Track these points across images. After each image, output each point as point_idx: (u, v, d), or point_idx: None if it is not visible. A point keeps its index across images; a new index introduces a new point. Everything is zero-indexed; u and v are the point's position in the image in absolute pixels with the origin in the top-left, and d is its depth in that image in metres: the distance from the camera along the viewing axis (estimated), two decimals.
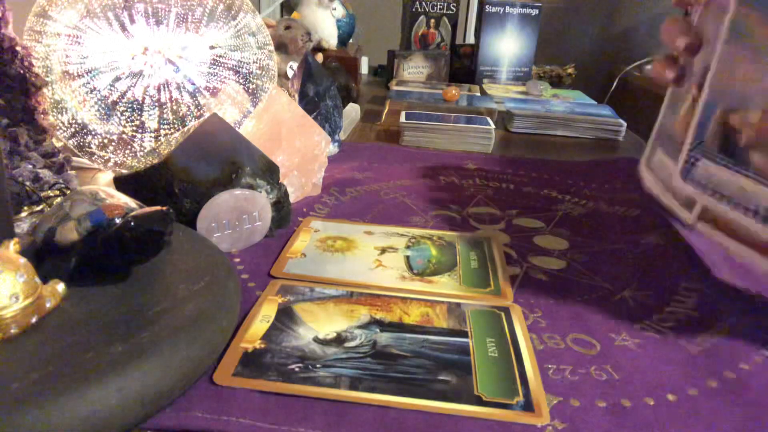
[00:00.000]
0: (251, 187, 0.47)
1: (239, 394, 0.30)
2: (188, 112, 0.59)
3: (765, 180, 0.36)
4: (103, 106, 0.56)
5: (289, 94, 0.66)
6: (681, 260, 0.50)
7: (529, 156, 0.82)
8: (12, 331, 0.28)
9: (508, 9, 1.23)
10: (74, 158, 0.57)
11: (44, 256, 0.34)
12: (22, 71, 0.48)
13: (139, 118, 0.57)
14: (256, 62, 0.63)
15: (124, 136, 0.57)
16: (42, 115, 0.50)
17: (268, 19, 0.94)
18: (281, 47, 0.89)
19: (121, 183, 0.45)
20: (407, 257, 0.47)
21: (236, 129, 0.49)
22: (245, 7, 0.63)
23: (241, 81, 0.62)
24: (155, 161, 0.46)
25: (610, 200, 0.64)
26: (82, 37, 0.55)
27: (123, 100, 0.56)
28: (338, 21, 1.25)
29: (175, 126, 0.58)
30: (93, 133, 0.57)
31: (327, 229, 0.52)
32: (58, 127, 0.56)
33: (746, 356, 0.36)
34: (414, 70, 1.25)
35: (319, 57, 1.08)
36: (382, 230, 0.52)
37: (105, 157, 0.58)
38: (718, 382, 0.34)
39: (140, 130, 0.57)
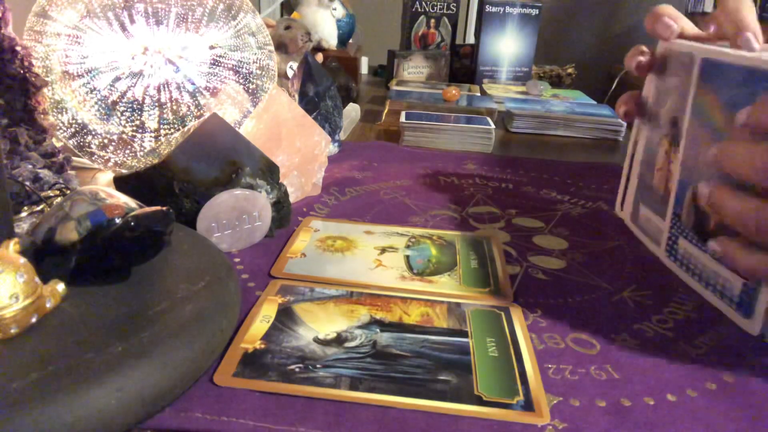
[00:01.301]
0: (251, 187, 0.47)
1: (239, 394, 0.30)
2: (188, 112, 0.59)
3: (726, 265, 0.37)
4: (103, 106, 0.56)
5: (289, 94, 0.66)
6: None
7: (529, 156, 0.82)
8: (12, 331, 0.28)
9: (508, 9, 1.23)
10: (74, 158, 0.57)
11: (44, 256, 0.34)
12: (22, 71, 0.48)
13: (139, 118, 0.57)
14: (256, 62, 0.63)
15: (124, 136, 0.57)
16: (42, 115, 0.50)
17: (268, 19, 0.94)
18: (281, 47, 0.89)
19: (121, 183, 0.45)
20: (407, 257, 0.47)
21: (236, 129, 0.49)
22: (245, 7, 0.63)
23: (241, 81, 0.62)
24: (155, 161, 0.46)
25: (609, 201, 0.64)
26: (82, 37, 0.55)
27: (123, 100, 0.56)
28: (338, 21, 1.25)
29: (175, 126, 0.58)
30: (93, 133, 0.57)
31: (327, 228, 0.52)
32: (58, 127, 0.56)
33: (745, 360, 0.36)
34: (414, 70, 1.25)
35: (319, 57, 1.08)
36: (382, 230, 0.52)
37: (105, 157, 0.58)
38: (717, 384, 0.34)
39: (140, 130, 0.57)
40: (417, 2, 1.29)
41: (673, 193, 0.43)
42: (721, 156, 0.35)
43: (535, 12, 1.24)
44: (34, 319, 0.29)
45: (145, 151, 0.57)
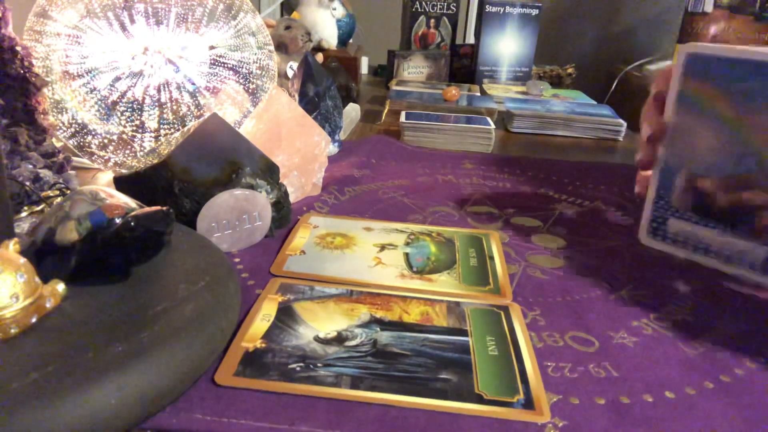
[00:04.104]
0: (251, 187, 0.47)
1: (240, 393, 0.30)
2: (188, 112, 0.59)
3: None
4: (103, 106, 0.56)
5: (289, 94, 0.66)
6: (679, 261, 0.50)
7: (529, 156, 0.82)
8: (12, 331, 0.28)
9: (508, 9, 1.23)
10: (74, 158, 0.57)
11: (44, 256, 0.34)
12: (22, 71, 0.48)
13: (139, 118, 0.57)
14: (256, 62, 0.63)
15: (124, 136, 0.57)
16: (42, 115, 0.50)
17: (268, 19, 0.94)
18: (281, 47, 0.89)
19: (121, 183, 0.45)
20: (406, 254, 0.47)
21: (236, 129, 0.49)
22: (245, 7, 0.63)
23: (241, 81, 0.62)
24: (155, 161, 0.46)
25: (606, 200, 0.64)
26: (82, 37, 0.55)
27: (123, 100, 0.56)
28: (338, 21, 1.25)
29: (175, 126, 0.58)
30: (93, 133, 0.57)
31: (326, 225, 0.52)
32: (58, 127, 0.56)
33: (741, 361, 0.36)
34: (414, 70, 1.25)
35: (319, 57, 1.08)
36: (381, 226, 0.52)
37: (105, 157, 0.58)
38: (714, 384, 0.34)
39: (140, 130, 0.57)
40: (417, 2, 1.29)
41: (655, 178, 0.44)
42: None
43: (535, 12, 1.24)
44: (34, 319, 0.29)
45: (145, 151, 0.57)
